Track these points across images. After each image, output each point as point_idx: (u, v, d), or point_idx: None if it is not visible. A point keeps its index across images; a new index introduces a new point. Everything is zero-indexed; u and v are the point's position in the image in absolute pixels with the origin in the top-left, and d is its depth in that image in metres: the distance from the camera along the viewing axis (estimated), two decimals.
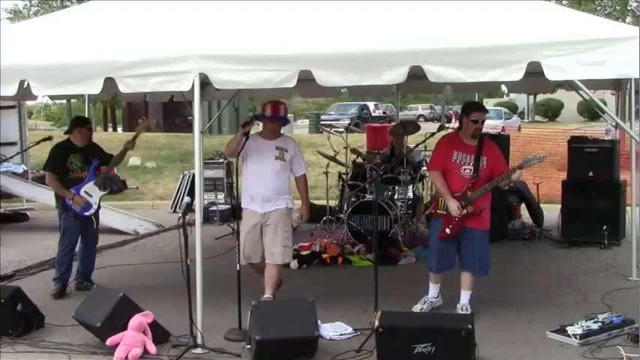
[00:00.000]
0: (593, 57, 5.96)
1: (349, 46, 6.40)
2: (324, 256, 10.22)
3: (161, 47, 6.80)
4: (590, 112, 42.77)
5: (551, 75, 5.92)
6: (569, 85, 7.60)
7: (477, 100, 68.97)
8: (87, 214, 8.81)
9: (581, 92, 6.90)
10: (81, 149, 8.87)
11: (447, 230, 7.46)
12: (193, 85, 6.54)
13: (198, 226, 6.71)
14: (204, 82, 6.72)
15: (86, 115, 12.30)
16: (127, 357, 6.46)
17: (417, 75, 6.37)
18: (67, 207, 8.70)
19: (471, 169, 7.38)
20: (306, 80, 6.62)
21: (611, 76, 6.41)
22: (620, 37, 6.04)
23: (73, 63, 6.89)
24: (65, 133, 9.32)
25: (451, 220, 7.41)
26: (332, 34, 6.67)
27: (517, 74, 5.95)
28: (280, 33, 6.84)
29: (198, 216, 6.75)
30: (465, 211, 7.33)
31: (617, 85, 11.13)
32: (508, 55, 6.00)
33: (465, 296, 7.58)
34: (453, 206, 7.34)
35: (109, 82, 6.84)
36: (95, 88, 6.79)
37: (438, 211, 7.58)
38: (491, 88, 18.79)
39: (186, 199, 6.90)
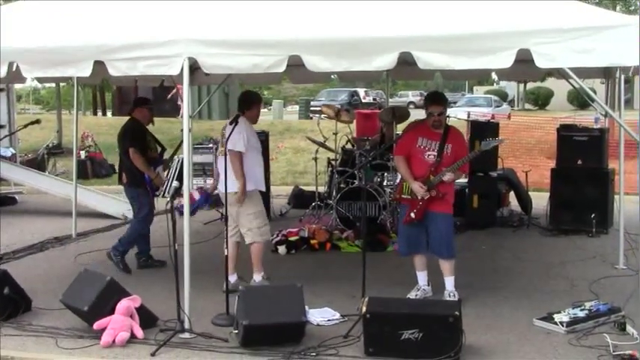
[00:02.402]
0: (583, 45, 5.94)
1: (339, 31, 6.38)
2: (312, 242, 10.22)
3: (151, 31, 6.77)
4: (580, 100, 42.83)
5: (541, 62, 5.90)
6: (560, 73, 7.60)
7: (467, 87, 69.05)
8: (157, 193, 9.00)
9: (571, 80, 6.89)
10: (147, 130, 9.11)
11: (412, 214, 7.54)
12: (182, 69, 6.50)
13: (186, 211, 6.69)
14: (194, 67, 6.71)
15: (75, 99, 12.21)
16: (114, 341, 6.45)
17: (407, 61, 6.35)
18: (146, 184, 8.85)
19: (434, 155, 7.48)
20: (296, 66, 6.59)
21: (600, 64, 6.42)
22: (610, 25, 6.03)
23: (63, 46, 6.85)
24: (129, 113, 9.43)
25: (415, 204, 7.51)
26: (322, 20, 6.64)
27: (506, 61, 5.93)
28: (270, 18, 6.81)
29: (186, 201, 6.73)
30: (428, 193, 7.41)
31: (607, 73, 11.15)
32: (498, 42, 5.98)
33: (449, 282, 7.61)
34: (416, 187, 7.44)
35: (98, 66, 6.80)
36: (85, 71, 6.76)
37: (402, 196, 7.71)
38: (482, 76, 18.76)
39: (175, 183, 6.88)
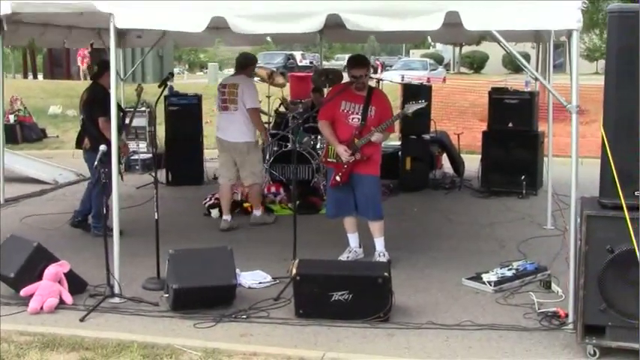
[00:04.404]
0: (513, 8, 5.93)
1: None
2: (245, 205, 10.15)
3: None
4: (514, 64, 43.36)
5: (469, 25, 5.88)
6: (491, 36, 7.64)
7: (404, 50, 69.20)
8: (122, 161, 8.79)
9: (502, 44, 6.91)
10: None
11: (338, 177, 7.61)
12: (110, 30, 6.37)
13: (114, 175, 6.62)
14: (125, 30, 6.55)
15: (0, 60, 11.85)
16: (42, 308, 6.37)
17: (339, 24, 6.29)
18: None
19: (358, 118, 7.52)
20: (228, 28, 6.49)
21: (529, 28, 6.45)
22: None
23: None
24: (93, 77, 9.06)
25: (340, 167, 7.56)
26: None
27: (435, 23, 5.89)
28: None
29: (114, 165, 6.64)
30: (353, 157, 7.45)
31: (538, 38, 11.26)
32: (426, 4, 5.93)
33: (378, 243, 7.69)
34: (341, 150, 7.48)
35: (25, 27, 6.60)
36: None
37: (328, 160, 7.76)
38: (417, 39, 18.74)
39: (102, 147, 6.78)
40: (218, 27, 6.76)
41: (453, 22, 5.93)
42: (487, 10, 5.92)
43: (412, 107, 7.62)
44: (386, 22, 6.02)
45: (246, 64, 9.62)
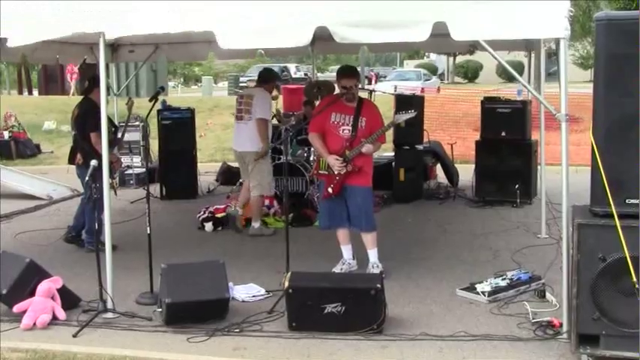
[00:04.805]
0: (501, 17, 5.93)
1: (252, 7, 6.27)
2: None
3: None
4: (508, 73, 43.35)
5: (456, 35, 5.87)
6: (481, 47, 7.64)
7: (398, 60, 69.29)
8: (115, 175, 8.74)
9: (490, 53, 6.91)
10: None
11: (330, 189, 7.59)
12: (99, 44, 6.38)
13: (105, 190, 6.60)
14: (117, 44, 6.56)
15: None
16: (35, 324, 6.35)
17: (330, 36, 6.28)
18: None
19: (349, 130, 7.51)
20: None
21: (516, 37, 6.43)
22: None
23: None
24: (84, 93, 9.11)
25: (332, 179, 7.55)
26: None
27: (423, 34, 5.88)
28: None
29: (105, 179, 6.63)
30: (344, 167, 7.44)
31: (529, 46, 11.28)
32: (414, 15, 5.95)
33: (372, 255, 7.67)
34: (332, 161, 7.48)
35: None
36: None
37: (320, 172, 7.74)
38: (410, 49, 18.78)
39: (93, 162, 6.76)
40: (210, 40, 6.75)
41: (441, 32, 5.93)
42: (474, 20, 5.91)
43: (402, 117, 7.65)
44: (374, 34, 6.00)
45: (267, 79, 10.03)
